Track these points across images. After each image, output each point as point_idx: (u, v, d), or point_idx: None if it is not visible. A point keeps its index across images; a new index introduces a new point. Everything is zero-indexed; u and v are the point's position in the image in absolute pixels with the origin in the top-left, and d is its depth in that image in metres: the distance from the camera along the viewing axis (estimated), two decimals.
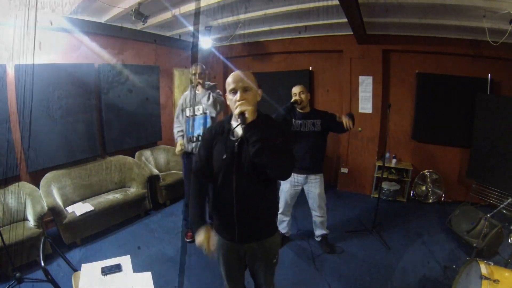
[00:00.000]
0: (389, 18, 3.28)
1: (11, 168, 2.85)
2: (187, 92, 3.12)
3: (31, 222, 2.64)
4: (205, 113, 2.95)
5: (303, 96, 2.63)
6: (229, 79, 1.27)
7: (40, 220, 2.63)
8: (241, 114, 1.17)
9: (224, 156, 1.27)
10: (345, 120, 2.43)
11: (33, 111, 2.96)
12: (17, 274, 2.14)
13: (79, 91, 3.40)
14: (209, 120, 3.01)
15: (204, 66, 2.95)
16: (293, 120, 2.67)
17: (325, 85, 4.77)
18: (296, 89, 2.66)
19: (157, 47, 4.41)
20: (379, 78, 4.20)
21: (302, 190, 2.84)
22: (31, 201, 2.74)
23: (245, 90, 1.24)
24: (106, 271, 1.77)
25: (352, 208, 4.04)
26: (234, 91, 1.25)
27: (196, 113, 3.01)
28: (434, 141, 4.18)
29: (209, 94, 2.87)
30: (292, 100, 2.64)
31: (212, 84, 3.05)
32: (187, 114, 3.00)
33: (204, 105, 2.88)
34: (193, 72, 2.90)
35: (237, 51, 5.18)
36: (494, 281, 1.59)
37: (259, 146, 1.13)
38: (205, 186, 1.45)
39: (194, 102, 3.03)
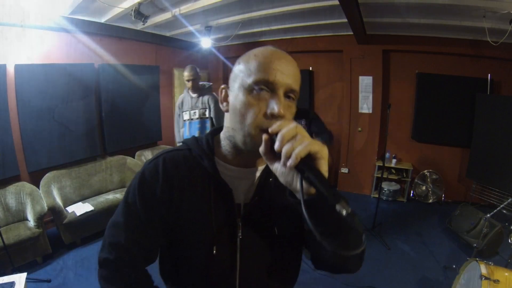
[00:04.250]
0: (389, 18, 3.28)
1: (11, 168, 2.85)
2: (183, 95, 3.14)
3: (31, 222, 2.63)
4: (201, 118, 2.99)
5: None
6: (259, 59, 0.59)
7: (40, 220, 2.63)
8: (305, 162, 0.49)
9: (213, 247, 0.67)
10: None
11: (33, 111, 2.96)
12: None
13: (79, 91, 3.39)
14: (208, 125, 2.99)
15: (197, 69, 2.95)
16: None
17: (325, 85, 4.77)
18: None
19: (157, 47, 4.41)
20: (379, 78, 4.20)
21: None
22: (31, 201, 2.74)
23: (288, 95, 0.59)
24: None
25: (352, 208, 4.02)
26: (266, 89, 0.57)
27: (192, 117, 3.02)
28: (434, 141, 4.18)
29: (208, 98, 2.91)
30: None
31: (207, 85, 3.04)
32: (184, 118, 3.05)
33: (211, 110, 2.90)
34: (186, 78, 2.93)
35: (237, 51, 5.18)
36: (494, 281, 1.59)
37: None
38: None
39: (190, 106, 3.03)
